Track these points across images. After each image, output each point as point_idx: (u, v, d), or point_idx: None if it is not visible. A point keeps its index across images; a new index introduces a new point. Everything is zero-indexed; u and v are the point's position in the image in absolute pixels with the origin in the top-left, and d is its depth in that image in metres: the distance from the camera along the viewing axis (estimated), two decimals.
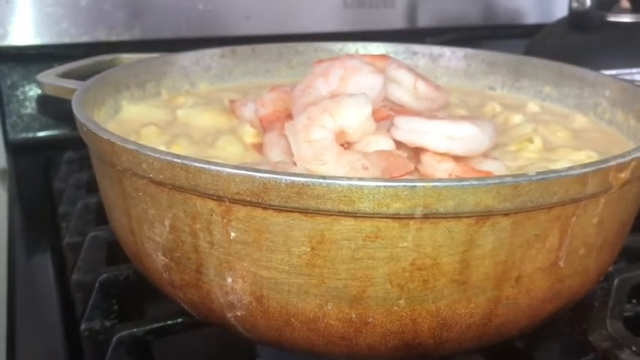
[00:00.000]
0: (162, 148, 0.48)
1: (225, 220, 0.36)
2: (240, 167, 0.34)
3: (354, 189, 0.33)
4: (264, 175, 0.33)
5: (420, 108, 0.52)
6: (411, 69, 0.54)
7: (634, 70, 0.87)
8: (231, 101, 0.60)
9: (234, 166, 0.34)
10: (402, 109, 0.51)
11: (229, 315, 0.40)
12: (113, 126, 0.56)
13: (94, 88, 0.54)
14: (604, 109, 0.61)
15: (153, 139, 0.51)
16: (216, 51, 0.72)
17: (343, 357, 0.41)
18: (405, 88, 0.52)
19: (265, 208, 0.35)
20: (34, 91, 0.90)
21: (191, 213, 0.37)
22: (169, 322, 0.48)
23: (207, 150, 0.50)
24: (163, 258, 0.41)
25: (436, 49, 0.77)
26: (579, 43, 0.92)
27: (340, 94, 0.47)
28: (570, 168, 0.35)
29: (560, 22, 1.00)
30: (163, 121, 0.58)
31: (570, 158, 0.50)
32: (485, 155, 0.46)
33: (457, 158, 0.44)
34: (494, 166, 0.45)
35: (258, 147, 0.51)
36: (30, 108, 0.91)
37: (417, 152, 0.45)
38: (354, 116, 0.42)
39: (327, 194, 0.33)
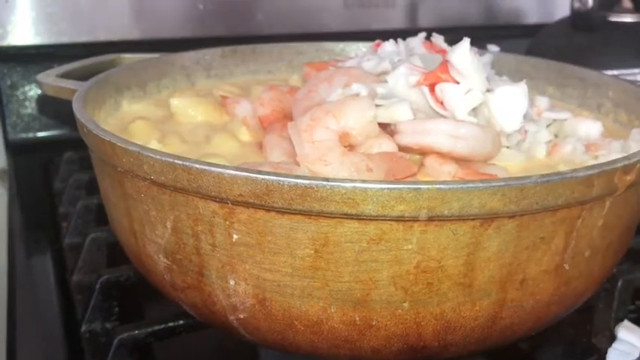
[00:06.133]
0: (155, 142, 0.48)
1: (227, 222, 0.36)
2: (243, 169, 0.34)
3: (357, 191, 0.32)
4: (267, 177, 0.33)
5: None
6: None
7: (636, 71, 0.87)
8: (223, 97, 0.60)
9: (236, 168, 0.34)
10: None
11: (231, 317, 0.40)
12: (111, 121, 0.56)
13: (94, 88, 0.54)
14: (607, 109, 0.61)
15: (143, 135, 0.51)
16: (217, 51, 0.72)
17: None
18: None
19: (268, 210, 0.34)
20: (34, 91, 0.90)
21: (193, 215, 0.37)
22: (171, 324, 0.48)
23: (203, 146, 0.50)
24: (165, 260, 0.41)
25: None
26: (581, 43, 0.92)
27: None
28: (575, 170, 0.35)
29: (562, 22, 1.00)
30: (155, 115, 0.57)
31: None
32: (486, 162, 0.45)
33: (460, 162, 0.43)
34: (496, 171, 0.44)
35: (255, 144, 0.50)
36: (30, 108, 0.90)
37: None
38: (358, 118, 0.42)
39: (330, 196, 0.33)
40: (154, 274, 0.43)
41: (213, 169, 0.34)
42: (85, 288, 0.56)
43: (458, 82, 0.46)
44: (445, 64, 0.47)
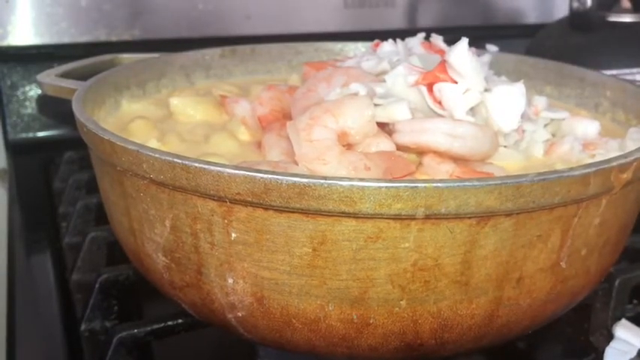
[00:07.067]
0: (154, 141, 0.48)
1: (226, 221, 0.36)
2: (241, 168, 0.34)
3: (355, 189, 0.33)
4: (265, 175, 0.33)
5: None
6: None
7: (634, 70, 0.87)
8: (222, 96, 0.60)
9: (234, 167, 0.34)
10: None
11: (230, 316, 0.40)
12: (111, 120, 0.57)
13: (94, 88, 0.54)
14: (605, 109, 0.61)
15: (142, 134, 0.51)
16: (216, 51, 0.72)
17: (344, 358, 0.41)
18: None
19: (266, 209, 0.35)
20: (34, 91, 0.90)
21: (192, 213, 0.37)
22: (170, 322, 0.48)
23: (202, 145, 0.50)
24: (164, 258, 0.41)
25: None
26: (580, 43, 0.92)
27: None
28: (572, 169, 0.35)
29: (561, 22, 1.00)
30: (155, 115, 0.57)
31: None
32: (483, 161, 0.45)
33: (457, 161, 0.44)
34: (494, 170, 0.45)
35: (254, 143, 0.51)
36: (30, 108, 0.91)
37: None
38: (357, 117, 0.42)
39: (328, 195, 0.33)
40: (152, 272, 0.43)
41: (211, 167, 0.34)
42: (84, 287, 0.56)
43: (456, 82, 0.46)
44: (443, 64, 0.47)
